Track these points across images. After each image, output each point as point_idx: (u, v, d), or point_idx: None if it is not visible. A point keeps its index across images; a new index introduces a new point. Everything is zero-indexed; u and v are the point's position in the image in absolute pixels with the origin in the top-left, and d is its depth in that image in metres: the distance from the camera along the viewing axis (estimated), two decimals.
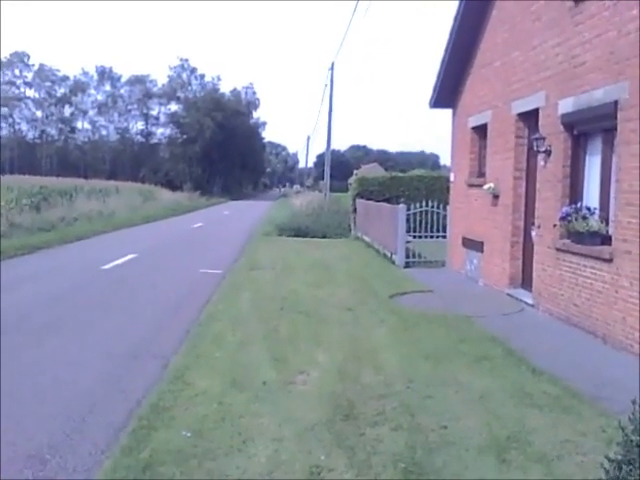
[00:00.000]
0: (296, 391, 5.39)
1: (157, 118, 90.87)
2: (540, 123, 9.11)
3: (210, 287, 10.95)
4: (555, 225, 8.44)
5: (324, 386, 5.50)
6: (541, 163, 9.05)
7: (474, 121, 12.17)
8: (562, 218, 8.19)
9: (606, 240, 7.45)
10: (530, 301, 9.33)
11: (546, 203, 8.89)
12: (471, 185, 12.31)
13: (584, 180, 8.32)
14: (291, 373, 5.86)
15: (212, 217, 35.81)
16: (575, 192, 8.37)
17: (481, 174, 11.99)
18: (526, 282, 9.88)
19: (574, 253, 8.00)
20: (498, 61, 10.89)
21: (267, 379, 5.65)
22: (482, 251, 11.49)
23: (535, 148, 9.08)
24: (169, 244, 19.42)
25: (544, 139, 8.85)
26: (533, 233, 9.44)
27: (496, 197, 10.80)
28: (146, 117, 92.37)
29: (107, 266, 13.48)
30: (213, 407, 4.94)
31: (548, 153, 8.80)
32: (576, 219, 7.89)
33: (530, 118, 9.71)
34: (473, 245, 12.01)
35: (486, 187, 10.99)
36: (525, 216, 10.07)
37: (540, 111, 9.13)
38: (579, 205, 8.03)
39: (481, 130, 11.95)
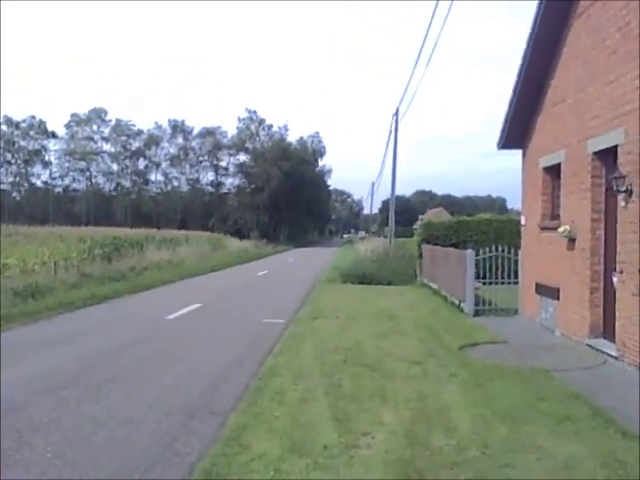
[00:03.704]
0: (360, 456, 4.96)
1: (226, 169, 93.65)
2: (619, 161, 8.54)
3: (272, 337, 10.68)
4: None
5: (390, 451, 5.05)
6: (622, 204, 8.45)
7: (546, 161, 11.64)
8: None
9: None
10: (614, 353, 8.60)
11: (629, 246, 8.24)
12: (544, 228, 11.70)
13: None
14: (354, 435, 5.44)
15: (277, 264, 35.91)
16: None
17: (555, 216, 11.39)
18: (608, 332, 9.15)
19: None
20: (571, 98, 10.41)
21: (328, 442, 5.24)
22: (558, 298, 10.80)
23: (614, 188, 8.50)
24: (234, 293, 19.37)
25: (624, 178, 8.28)
26: (615, 279, 8.77)
27: (572, 240, 10.18)
28: (216, 168, 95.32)
29: (172, 316, 13.45)
30: (269, 475, 4.58)
31: (629, 193, 8.20)
32: None
33: (607, 156, 9.15)
34: (548, 292, 11.32)
35: (561, 230, 10.38)
36: (605, 260, 9.41)
37: (619, 148, 8.57)
38: None
39: (553, 170, 11.40)
